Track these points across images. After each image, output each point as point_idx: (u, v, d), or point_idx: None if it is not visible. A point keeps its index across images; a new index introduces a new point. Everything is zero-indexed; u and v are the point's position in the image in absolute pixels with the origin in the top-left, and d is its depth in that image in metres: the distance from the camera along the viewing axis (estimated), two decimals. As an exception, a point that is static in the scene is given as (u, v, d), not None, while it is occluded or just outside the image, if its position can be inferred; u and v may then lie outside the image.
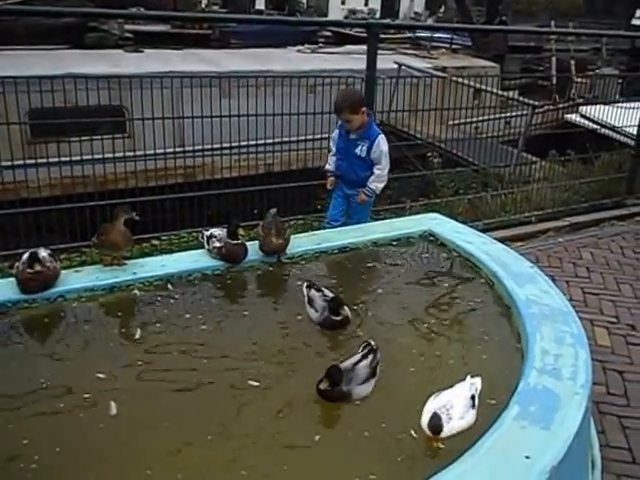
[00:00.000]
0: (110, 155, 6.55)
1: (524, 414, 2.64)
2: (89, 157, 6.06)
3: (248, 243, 4.14)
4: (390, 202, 7.24)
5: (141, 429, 2.75)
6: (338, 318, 3.49)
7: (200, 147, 6.43)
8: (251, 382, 3.04)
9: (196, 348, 3.32)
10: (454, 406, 2.64)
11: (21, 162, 6.00)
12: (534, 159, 8.58)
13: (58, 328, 3.51)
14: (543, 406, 2.70)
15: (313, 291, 3.64)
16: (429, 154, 9.01)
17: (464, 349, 3.36)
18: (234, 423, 2.79)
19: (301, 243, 4.43)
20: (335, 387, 2.93)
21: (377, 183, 5.37)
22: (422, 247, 4.63)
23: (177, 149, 7.42)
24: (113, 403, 2.83)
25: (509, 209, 6.88)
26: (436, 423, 2.58)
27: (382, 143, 5.18)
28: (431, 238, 4.71)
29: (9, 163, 5.78)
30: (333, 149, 5.35)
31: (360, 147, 5.27)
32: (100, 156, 6.31)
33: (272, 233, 4.07)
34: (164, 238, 5.99)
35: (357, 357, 3.09)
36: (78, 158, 6.11)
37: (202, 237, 4.28)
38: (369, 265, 4.39)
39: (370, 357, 3.07)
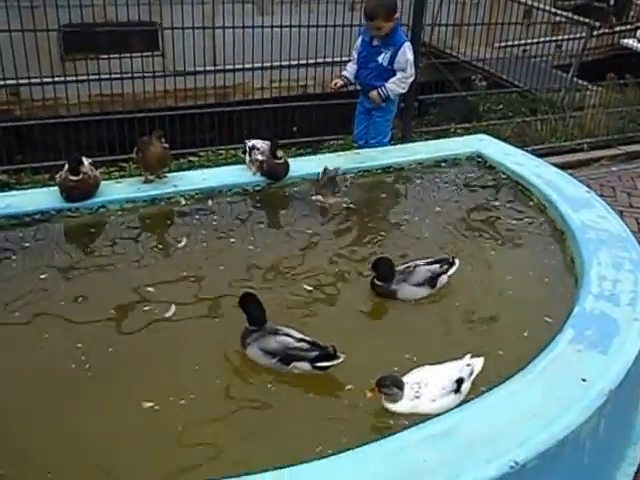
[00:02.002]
0: (143, 74, 6.34)
1: (580, 338, 2.55)
2: (121, 76, 5.88)
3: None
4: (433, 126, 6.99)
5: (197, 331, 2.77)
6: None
7: (235, 67, 6.20)
8: (306, 286, 3.06)
9: (240, 259, 3.27)
10: (428, 385, 2.35)
11: (57, 78, 5.85)
12: (588, 84, 8.13)
13: (101, 237, 3.48)
14: (600, 331, 2.60)
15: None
16: (473, 77, 8.59)
17: (514, 273, 3.26)
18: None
19: (342, 162, 4.28)
20: (383, 281, 2.97)
21: (395, 86, 4.68)
22: (470, 169, 4.45)
23: (211, 68, 7.18)
24: (174, 306, 2.82)
25: (560, 135, 6.56)
26: (383, 382, 2.32)
27: (408, 51, 4.63)
28: (479, 160, 4.52)
29: (46, 80, 5.63)
30: (354, 56, 4.99)
31: (383, 55, 4.64)
32: (134, 75, 6.09)
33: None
34: (202, 154, 5.86)
35: (425, 261, 3.09)
36: (112, 76, 5.95)
37: (244, 149, 4.17)
38: (414, 186, 4.24)
39: (439, 265, 3.06)
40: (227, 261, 3.25)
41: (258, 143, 4.03)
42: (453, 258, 3.13)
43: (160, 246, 3.41)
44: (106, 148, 5.53)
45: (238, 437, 2.26)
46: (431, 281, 3.03)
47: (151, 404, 2.34)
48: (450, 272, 3.09)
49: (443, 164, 4.47)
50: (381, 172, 4.32)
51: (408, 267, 3.06)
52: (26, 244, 3.32)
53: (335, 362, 2.50)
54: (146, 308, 2.87)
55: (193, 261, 3.25)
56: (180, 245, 3.38)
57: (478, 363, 2.49)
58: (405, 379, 2.39)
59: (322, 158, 4.52)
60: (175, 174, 4.04)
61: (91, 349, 2.60)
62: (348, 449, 2.03)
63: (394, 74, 4.69)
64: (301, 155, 5.42)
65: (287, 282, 3.11)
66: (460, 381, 2.38)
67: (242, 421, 2.32)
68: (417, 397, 2.34)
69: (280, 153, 3.91)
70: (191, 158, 5.82)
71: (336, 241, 3.53)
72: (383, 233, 3.63)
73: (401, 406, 2.34)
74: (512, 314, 2.95)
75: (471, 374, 2.44)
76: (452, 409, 2.28)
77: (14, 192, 4.04)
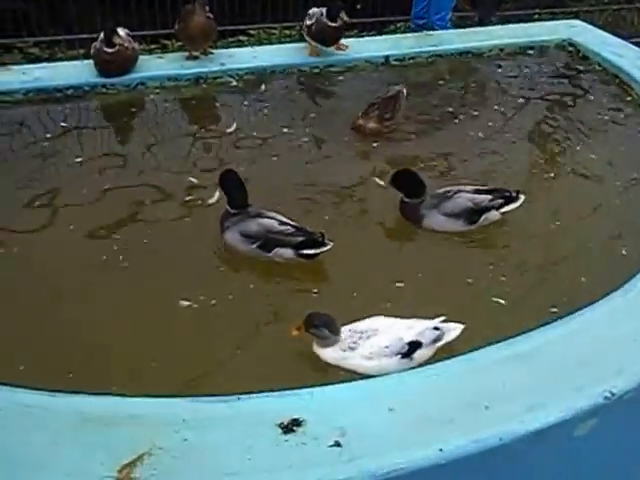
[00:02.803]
0: None
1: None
2: None
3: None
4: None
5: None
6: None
7: None
8: (330, 191, 2.66)
9: (292, 151, 2.89)
10: (371, 339, 1.95)
11: None
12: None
13: (139, 118, 3.13)
14: None
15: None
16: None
17: (612, 179, 2.79)
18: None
19: (413, 44, 3.75)
20: (410, 198, 2.46)
21: None
22: (560, 58, 3.85)
23: None
24: (218, 192, 2.50)
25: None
26: (312, 321, 1.94)
27: None
28: (570, 49, 3.90)
29: None
30: None
31: None
32: None
33: None
34: (252, 32, 5.32)
35: (475, 187, 2.52)
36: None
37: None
38: (495, 75, 3.69)
39: (490, 197, 2.45)
40: (278, 150, 2.88)
41: (314, 9, 3.52)
42: (517, 193, 2.50)
43: (204, 131, 3.04)
44: (146, 23, 5.05)
45: (269, 346, 1.96)
46: (471, 215, 2.45)
47: (187, 303, 2.06)
48: (506, 209, 2.48)
49: (529, 51, 3.88)
50: (457, 56, 3.77)
51: (448, 191, 2.51)
52: (58, 123, 3.00)
53: (322, 249, 2.19)
54: (188, 197, 2.57)
55: (241, 149, 2.89)
56: (228, 131, 3.01)
57: (453, 330, 1.99)
58: (350, 326, 1.99)
59: (388, 39, 4.00)
60: (222, 51, 3.62)
61: (126, 240, 2.33)
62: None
63: None
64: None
65: (323, 180, 2.71)
66: (415, 345, 1.93)
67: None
68: (352, 348, 1.94)
69: (343, 16, 3.38)
70: (241, 37, 5.29)
71: (387, 147, 3.02)
72: (444, 137, 3.10)
73: (330, 354, 1.95)
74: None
75: (436, 340, 1.96)
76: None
77: (44, 64, 3.65)
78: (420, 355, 1.95)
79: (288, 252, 2.21)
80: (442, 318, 2.00)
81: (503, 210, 2.47)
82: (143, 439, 1.40)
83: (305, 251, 2.20)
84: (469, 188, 2.52)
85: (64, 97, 3.12)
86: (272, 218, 2.26)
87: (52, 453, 1.36)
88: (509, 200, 2.48)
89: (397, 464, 1.42)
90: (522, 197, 2.48)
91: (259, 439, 1.45)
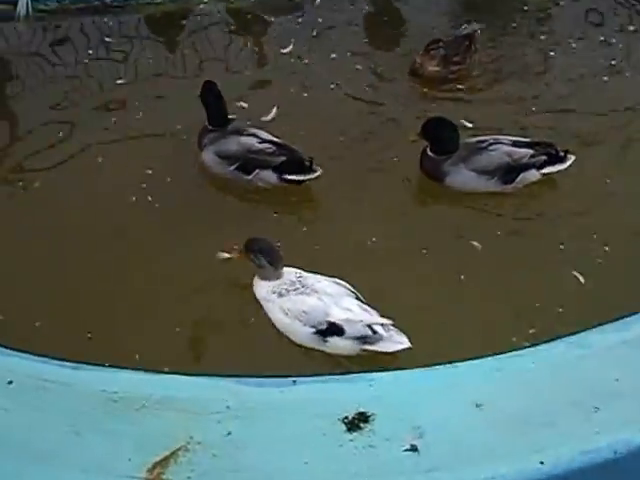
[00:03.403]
0: None
1: None
2: None
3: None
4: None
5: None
6: None
7: None
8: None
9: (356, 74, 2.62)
10: (301, 296, 1.76)
11: None
12: None
13: (186, 33, 2.84)
14: None
15: None
16: None
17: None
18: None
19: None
20: (436, 153, 2.14)
21: None
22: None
23: None
24: (275, 108, 2.37)
25: None
26: (252, 245, 1.79)
27: None
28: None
29: None
30: None
31: None
32: None
33: None
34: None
35: (517, 138, 2.17)
36: None
37: None
38: None
39: (532, 151, 2.10)
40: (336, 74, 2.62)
41: None
42: (565, 153, 2.12)
43: (258, 48, 2.78)
44: None
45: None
46: (507, 172, 2.09)
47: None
48: (549, 169, 2.11)
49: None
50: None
51: (481, 142, 2.15)
52: (101, 37, 2.75)
53: (308, 176, 1.98)
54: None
55: (298, 71, 2.62)
56: (284, 51, 2.73)
57: (394, 343, 1.70)
58: (301, 272, 1.80)
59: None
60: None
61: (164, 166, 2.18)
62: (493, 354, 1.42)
63: None
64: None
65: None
66: (334, 329, 1.70)
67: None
68: (281, 295, 1.74)
69: None
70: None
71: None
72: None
73: (260, 289, 1.79)
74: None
75: (366, 341, 1.70)
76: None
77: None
78: (335, 343, 1.72)
79: (270, 176, 2.01)
80: (390, 322, 1.72)
81: (545, 170, 2.10)
82: (179, 430, 1.17)
83: (289, 176, 2.00)
84: (507, 139, 2.14)
85: (103, 7, 2.82)
86: (253, 135, 2.05)
87: (69, 442, 1.14)
88: (554, 159, 2.10)
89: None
90: (572, 157, 2.11)
91: (318, 437, 1.19)
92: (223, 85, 2.43)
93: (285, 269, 1.82)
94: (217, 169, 2.07)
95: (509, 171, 2.07)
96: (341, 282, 1.82)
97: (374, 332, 1.71)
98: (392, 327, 1.73)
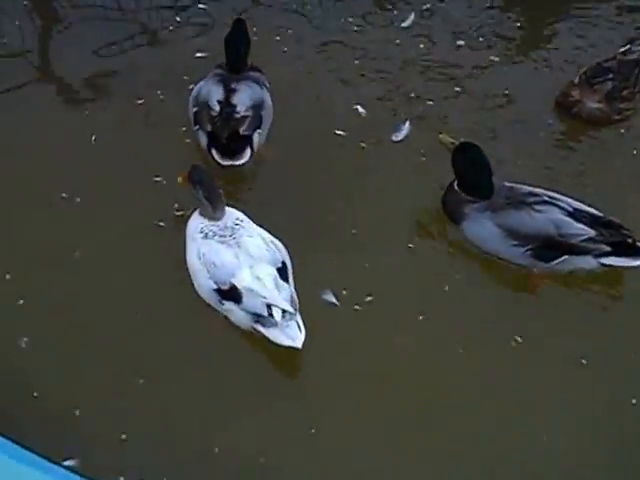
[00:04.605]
0: None
1: None
2: None
3: None
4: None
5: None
6: None
7: None
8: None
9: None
10: (226, 244, 1.58)
11: None
12: None
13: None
14: None
15: None
16: None
17: None
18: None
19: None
20: (463, 189, 1.79)
21: None
22: None
23: None
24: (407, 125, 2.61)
25: None
26: (192, 174, 1.66)
27: None
28: None
29: None
30: None
31: None
32: None
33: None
34: None
35: (575, 205, 1.72)
36: None
37: None
38: None
39: (594, 233, 1.65)
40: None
41: None
42: (634, 241, 1.64)
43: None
44: None
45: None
46: (546, 247, 1.62)
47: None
48: (613, 261, 1.65)
49: None
50: None
51: (532, 194, 1.65)
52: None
53: None
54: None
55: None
56: (403, 25, 3.08)
57: (291, 332, 1.59)
58: (247, 220, 1.64)
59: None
60: None
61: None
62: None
63: None
64: None
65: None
66: (234, 291, 1.57)
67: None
68: (206, 236, 1.56)
69: None
70: None
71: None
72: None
73: (194, 223, 1.62)
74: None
75: (257, 316, 1.55)
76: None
77: None
78: (230, 309, 1.59)
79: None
80: (293, 311, 1.61)
81: (607, 261, 1.67)
82: None
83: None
84: (570, 203, 1.66)
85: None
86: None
87: None
88: (624, 248, 1.63)
89: None
90: None
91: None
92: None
93: (229, 210, 1.72)
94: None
95: (550, 246, 1.63)
96: (279, 247, 1.70)
97: (270, 314, 1.56)
98: (296, 319, 1.59)
